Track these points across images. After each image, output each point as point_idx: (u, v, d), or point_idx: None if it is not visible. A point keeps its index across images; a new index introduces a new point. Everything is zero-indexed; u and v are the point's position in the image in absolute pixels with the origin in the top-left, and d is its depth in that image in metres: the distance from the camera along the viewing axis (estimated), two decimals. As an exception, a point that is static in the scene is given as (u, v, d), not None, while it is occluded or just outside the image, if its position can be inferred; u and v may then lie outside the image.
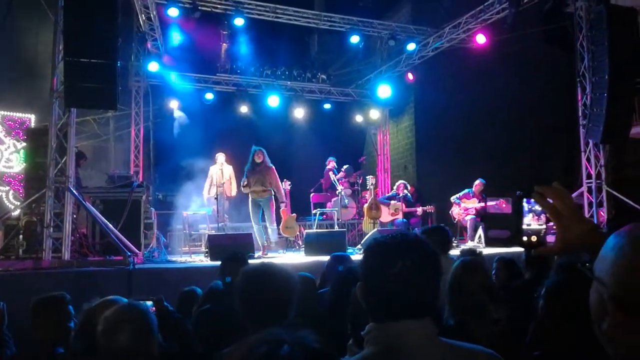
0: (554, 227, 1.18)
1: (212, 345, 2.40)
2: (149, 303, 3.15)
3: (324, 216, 10.90)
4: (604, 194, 9.05)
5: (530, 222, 1.26)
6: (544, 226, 1.27)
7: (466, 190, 9.79)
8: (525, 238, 1.24)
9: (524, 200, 1.27)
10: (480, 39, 10.59)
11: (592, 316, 0.85)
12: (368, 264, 1.35)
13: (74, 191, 6.75)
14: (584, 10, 9.04)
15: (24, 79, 10.86)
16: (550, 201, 1.18)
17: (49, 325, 2.96)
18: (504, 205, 8.97)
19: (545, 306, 1.94)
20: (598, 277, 0.82)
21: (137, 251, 6.97)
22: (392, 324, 1.29)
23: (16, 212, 7.31)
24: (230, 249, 7.08)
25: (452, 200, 9.85)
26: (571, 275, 1.91)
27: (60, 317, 3.00)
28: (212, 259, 7.26)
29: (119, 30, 6.64)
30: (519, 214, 1.26)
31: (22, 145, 11.32)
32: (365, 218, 10.07)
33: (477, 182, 9.77)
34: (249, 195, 8.45)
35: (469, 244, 9.28)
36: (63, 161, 6.74)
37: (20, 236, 6.83)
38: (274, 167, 8.54)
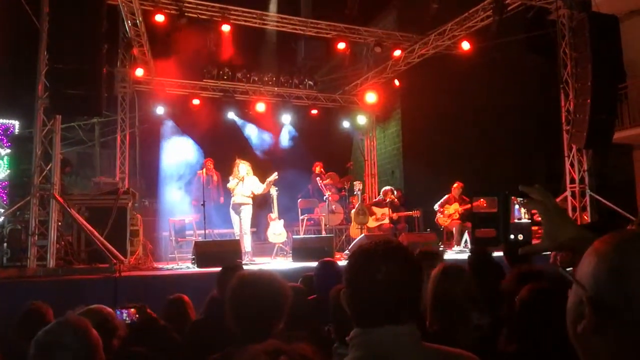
0: (540, 225, 1.17)
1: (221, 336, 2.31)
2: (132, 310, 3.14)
3: (311, 222, 10.91)
4: (587, 198, 9.18)
5: (520, 216, 1.27)
6: (531, 220, 1.26)
7: (446, 196, 9.84)
8: (512, 236, 1.23)
9: (511, 198, 1.25)
10: (465, 45, 10.71)
11: (567, 320, 0.85)
12: (352, 271, 1.38)
13: (59, 198, 6.70)
14: (566, 17, 9.19)
15: (8, 84, 10.77)
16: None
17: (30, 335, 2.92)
18: (485, 205, 8.99)
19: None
20: (578, 280, 0.83)
21: (123, 258, 6.92)
22: (376, 330, 1.31)
23: (0, 220, 7.23)
24: (217, 255, 7.10)
25: (435, 209, 9.88)
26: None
27: (42, 327, 2.96)
28: (199, 266, 7.24)
29: (105, 36, 6.62)
30: (505, 212, 1.24)
31: (6, 151, 11.19)
32: (352, 223, 10.10)
33: (454, 185, 9.77)
34: (232, 203, 8.83)
35: (455, 249, 9.36)
36: (48, 168, 6.69)
37: (5, 244, 6.76)
38: (255, 178, 8.93)
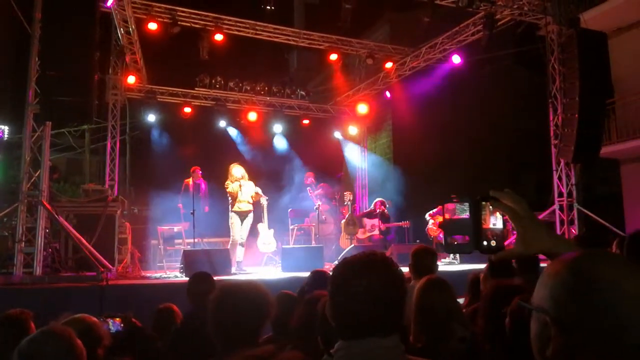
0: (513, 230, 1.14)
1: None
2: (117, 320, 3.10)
3: (302, 232, 10.89)
4: (575, 211, 9.26)
5: (495, 221, 1.19)
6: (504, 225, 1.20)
7: (436, 208, 9.86)
8: (485, 243, 1.18)
9: (483, 203, 1.20)
10: (456, 59, 10.82)
11: (534, 349, 0.86)
12: (335, 283, 1.39)
13: (47, 205, 6.64)
14: (555, 33, 9.31)
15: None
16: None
17: (9, 344, 2.88)
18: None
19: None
20: (538, 306, 0.85)
21: (110, 266, 6.86)
22: (359, 342, 1.32)
23: (-14, 226, 7.16)
24: (206, 264, 7.07)
25: (426, 218, 9.92)
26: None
27: (22, 335, 2.91)
28: (187, 275, 7.17)
29: (97, 44, 6.63)
30: (477, 218, 1.19)
31: (-6, 157, 11.10)
32: (342, 234, 10.10)
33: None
34: (232, 209, 8.28)
35: (445, 260, 9.37)
36: (37, 175, 6.64)
37: (-9, 251, 6.69)
38: (251, 183, 8.59)
